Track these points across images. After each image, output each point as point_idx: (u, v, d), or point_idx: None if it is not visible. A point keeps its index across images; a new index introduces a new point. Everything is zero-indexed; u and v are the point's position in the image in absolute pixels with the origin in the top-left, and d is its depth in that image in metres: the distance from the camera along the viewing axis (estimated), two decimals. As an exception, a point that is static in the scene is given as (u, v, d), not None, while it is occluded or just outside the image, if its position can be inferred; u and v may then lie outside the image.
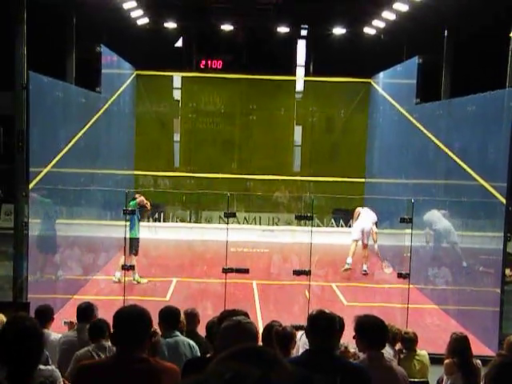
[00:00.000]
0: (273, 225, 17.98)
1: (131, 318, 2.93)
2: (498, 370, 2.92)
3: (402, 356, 6.07)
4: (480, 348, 8.27)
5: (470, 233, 10.53)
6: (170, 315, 4.90)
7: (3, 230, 16.28)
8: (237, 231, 12.21)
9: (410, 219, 8.82)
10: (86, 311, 5.60)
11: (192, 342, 4.74)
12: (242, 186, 18.08)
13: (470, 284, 10.11)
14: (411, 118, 13.04)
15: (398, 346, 6.16)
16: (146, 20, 16.61)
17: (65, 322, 6.18)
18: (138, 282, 11.72)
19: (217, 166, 17.98)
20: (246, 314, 3.73)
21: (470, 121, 10.37)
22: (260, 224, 17.96)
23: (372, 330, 4.03)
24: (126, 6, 14.90)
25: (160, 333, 4.94)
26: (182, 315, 5.43)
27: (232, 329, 2.75)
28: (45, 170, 9.60)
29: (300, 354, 5.34)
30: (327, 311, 3.41)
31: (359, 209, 13.82)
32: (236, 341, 2.67)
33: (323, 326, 3.25)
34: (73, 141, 11.00)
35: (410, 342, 6.13)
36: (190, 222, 18.19)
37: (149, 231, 12.80)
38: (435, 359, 6.41)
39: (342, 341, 5.36)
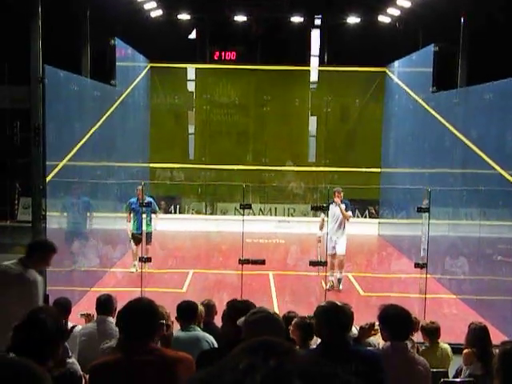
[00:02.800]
0: (288, 216, 17.97)
1: (136, 311, 2.94)
2: (503, 359, 2.89)
3: (423, 347, 6.03)
4: (499, 337, 8.17)
5: (488, 222, 10.42)
6: (187, 309, 4.92)
7: (22, 223, 16.48)
8: (252, 222, 12.21)
9: (427, 208, 8.75)
10: (106, 303, 5.61)
11: (211, 338, 4.75)
12: (257, 178, 18.06)
13: (488, 273, 10.03)
14: (427, 107, 12.91)
15: (416, 336, 6.12)
16: (159, 12, 16.61)
17: (81, 315, 6.19)
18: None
19: (231, 158, 17.96)
20: (253, 304, 3.73)
21: (488, 109, 10.23)
22: (276, 215, 17.96)
23: (396, 321, 3.98)
24: (139, -2, 14.92)
25: (173, 326, 4.97)
26: (200, 307, 5.44)
27: (262, 322, 2.77)
28: (61, 164, 9.67)
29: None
30: (338, 303, 3.39)
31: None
32: (265, 334, 2.68)
33: (333, 319, 3.23)
34: (88, 134, 11.06)
35: (433, 333, 6.09)
36: (205, 213, 18.25)
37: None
38: (454, 349, 6.37)
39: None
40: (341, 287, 11.32)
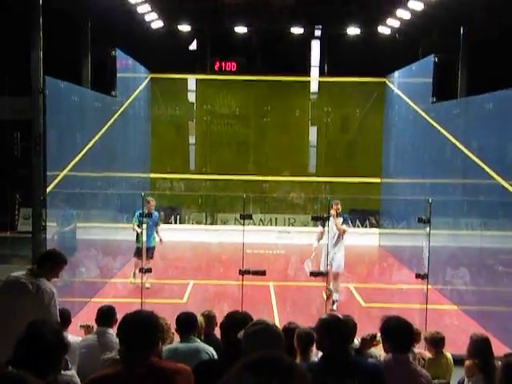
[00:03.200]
0: (289, 226, 17.95)
1: (135, 323, 2.92)
2: (506, 371, 2.87)
3: (429, 357, 6.00)
4: (501, 348, 8.13)
5: (489, 232, 10.40)
6: (186, 321, 4.88)
7: (22, 234, 16.45)
8: (253, 233, 12.17)
9: (427, 219, 8.73)
10: (107, 315, 5.57)
11: (211, 350, 4.71)
12: (257, 188, 18.07)
13: (489, 284, 9.99)
14: (427, 117, 12.93)
15: (417, 347, 6.09)
16: (160, 23, 16.69)
17: (81, 326, 6.13)
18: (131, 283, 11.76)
19: (232, 168, 17.99)
20: (250, 317, 3.73)
21: (488, 119, 10.24)
22: (276, 225, 17.94)
23: (398, 333, 3.96)
24: (140, 9, 14.98)
25: (174, 338, 4.95)
26: (200, 318, 5.40)
27: (261, 334, 2.76)
28: (62, 174, 9.66)
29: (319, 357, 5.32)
30: (339, 315, 3.37)
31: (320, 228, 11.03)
32: (265, 346, 2.68)
33: (335, 331, 3.21)
34: (89, 144, 11.07)
35: (439, 343, 6.06)
36: (205, 224, 18.23)
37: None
38: (455, 360, 6.32)
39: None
40: (334, 307, 10.48)
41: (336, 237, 10.67)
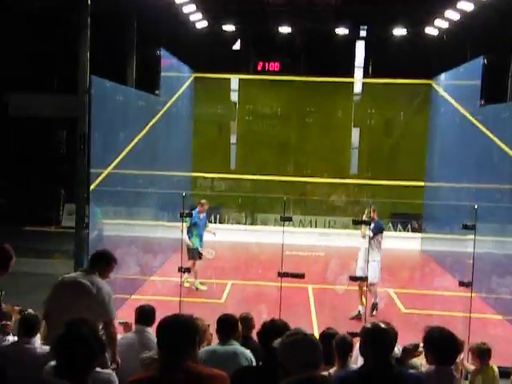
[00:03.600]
0: (329, 228, 17.79)
1: (173, 327, 2.89)
2: None
3: (474, 369, 5.84)
4: (547, 362, 7.86)
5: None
6: (227, 323, 4.85)
7: (66, 229, 16.81)
8: (292, 234, 12.10)
9: (473, 226, 8.49)
10: (147, 314, 5.58)
11: (249, 354, 4.67)
12: (297, 189, 17.99)
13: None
14: (474, 121, 12.60)
15: (460, 358, 5.91)
16: (204, 23, 16.78)
17: (120, 323, 6.19)
18: (197, 289, 11.76)
19: (273, 169, 17.95)
20: (286, 324, 3.70)
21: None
22: (316, 227, 17.81)
23: (441, 345, 3.87)
24: (185, 9, 15.10)
25: (212, 338, 4.94)
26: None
27: (298, 344, 2.73)
28: (105, 172, 9.80)
29: (358, 365, 5.22)
30: (382, 325, 3.28)
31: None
32: (302, 356, 2.66)
33: (380, 341, 3.13)
34: (132, 143, 11.20)
35: (485, 354, 5.88)
36: (245, 224, 18.24)
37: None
38: (501, 373, 6.14)
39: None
40: (374, 313, 10.12)
41: (369, 243, 10.23)
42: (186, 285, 11.74)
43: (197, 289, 11.68)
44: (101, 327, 5.13)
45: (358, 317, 10.13)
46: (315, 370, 2.77)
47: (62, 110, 17.81)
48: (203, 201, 12.21)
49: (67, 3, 12.26)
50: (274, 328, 3.41)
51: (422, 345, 4.14)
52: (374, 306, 10.34)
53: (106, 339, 5.14)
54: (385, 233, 15.09)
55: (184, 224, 11.58)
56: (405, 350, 4.38)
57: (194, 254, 11.80)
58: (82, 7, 10.11)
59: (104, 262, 5.44)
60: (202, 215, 12.01)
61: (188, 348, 2.86)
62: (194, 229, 11.83)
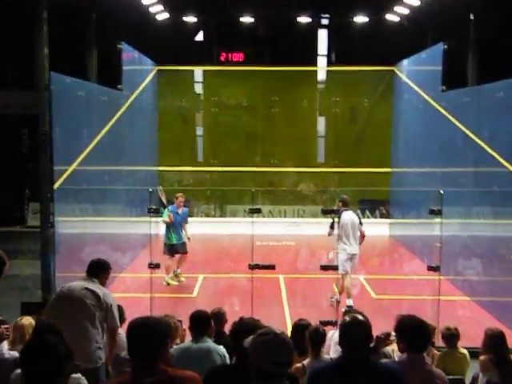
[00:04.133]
0: (298, 217, 17.87)
1: (143, 331, 2.84)
2: None
3: (440, 353, 5.93)
4: (514, 340, 8.05)
5: (502, 221, 10.27)
6: (199, 320, 4.80)
7: (32, 229, 16.48)
8: (262, 225, 12.11)
9: (439, 210, 8.61)
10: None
11: (222, 350, 4.64)
12: (266, 179, 18.00)
13: (502, 274, 9.87)
14: (437, 106, 12.76)
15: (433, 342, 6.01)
16: (165, 15, 16.57)
17: None
18: (168, 284, 11.66)
19: (240, 160, 17.90)
20: (256, 322, 3.68)
21: (499, 107, 10.08)
22: (285, 217, 17.87)
23: (412, 332, 3.88)
24: (145, 1, 14.88)
25: (185, 334, 4.89)
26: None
27: (269, 344, 2.71)
28: (69, 169, 9.63)
29: (331, 354, 5.25)
30: (360, 318, 3.28)
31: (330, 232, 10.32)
32: (273, 356, 2.64)
33: (358, 335, 3.14)
34: (96, 139, 11.02)
35: (452, 338, 5.97)
36: (215, 216, 18.19)
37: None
38: (470, 353, 6.25)
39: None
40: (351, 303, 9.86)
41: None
42: (182, 279, 11.66)
43: (168, 284, 11.58)
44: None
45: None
46: (287, 369, 2.76)
47: (19, 107, 17.38)
48: (178, 194, 12.03)
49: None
50: (243, 327, 3.39)
51: (393, 333, 4.17)
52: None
53: (107, 346, 5.26)
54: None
55: (156, 219, 11.51)
56: (377, 338, 4.41)
57: (170, 249, 11.63)
58: (37, 0, 9.84)
59: (104, 269, 5.59)
60: (181, 209, 11.80)
61: (159, 351, 2.81)
62: (171, 224, 11.65)
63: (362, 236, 10.30)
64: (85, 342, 5.04)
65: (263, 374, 2.67)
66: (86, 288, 5.30)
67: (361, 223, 10.30)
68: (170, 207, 11.80)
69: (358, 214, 10.35)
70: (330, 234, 10.24)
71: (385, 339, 4.56)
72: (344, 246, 10.12)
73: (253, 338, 2.77)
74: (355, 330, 3.14)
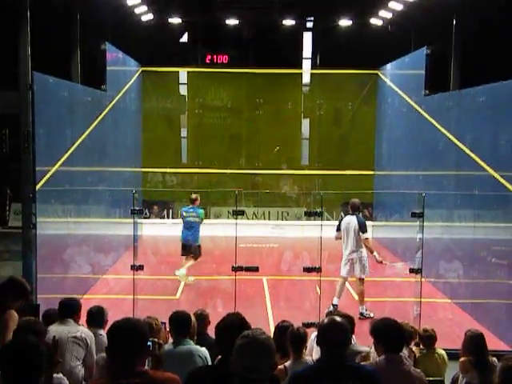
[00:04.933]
0: (282, 219, 17.90)
1: (123, 332, 2.83)
2: (504, 375, 2.84)
3: (419, 354, 5.98)
4: (494, 342, 8.15)
5: (482, 224, 10.39)
6: (179, 322, 4.78)
7: (13, 229, 16.31)
8: (246, 227, 12.13)
9: (421, 213, 8.70)
10: (97, 315, 5.50)
11: (203, 352, 4.63)
12: (250, 181, 18.02)
13: (482, 277, 9.99)
14: (420, 110, 12.88)
15: (414, 344, 6.06)
16: (150, 16, 16.52)
17: None
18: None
19: (225, 161, 17.91)
20: (242, 318, 3.61)
21: (481, 111, 10.21)
22: (269, 219, 17.89)
23: (388, 334, 3.98)
24: (130, 2, 14.82)
25: (168, 337, 4.88)
26: (193, 318, 5.32)
27: (248, 347, 2.69)
28: (52, 170, 9.56)
29: (314, 355, 5.27)
30: (338, 320, 3.31)
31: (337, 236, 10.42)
32: (246, 359, 2.63)
33: (335, 337, 3.16)
34: (79, 140, 10.95)
35: (429, 340, 6.03)
36: (198, 218, 18.12)
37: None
38: (449, 355, 6.31)
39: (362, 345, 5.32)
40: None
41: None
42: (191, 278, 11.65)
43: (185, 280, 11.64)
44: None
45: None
46: (262, 375, 2.72)
47: (3, 107, 17.16)
48: (194, 195, 12.08)
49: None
50: (228, 325, 3.37)
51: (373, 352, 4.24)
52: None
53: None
54: (336, 222, 15.10)
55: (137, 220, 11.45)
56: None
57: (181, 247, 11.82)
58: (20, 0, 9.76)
59: (76, 310, 5.46)
60: (198, 210, 11.89)
61: (139, 353, 2.80)
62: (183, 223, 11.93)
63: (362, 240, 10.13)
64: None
65: (239, 377, 2.66)
66: (74, 337, 5.17)
67: (361, 228, 10.09)
68: (183, 209, 12.09)
69: (359, 219, 10.25)
70: (337, 238, 10.27)
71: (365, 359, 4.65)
72: (343, 250, 10.16)
73: (237, 339, 2.77)
74: (332, 332, 3.17)
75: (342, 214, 10.55)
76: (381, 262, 10.24)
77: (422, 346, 6.07)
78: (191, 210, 11.93)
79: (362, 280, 10.11)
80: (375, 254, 10.16)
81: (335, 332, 3.18)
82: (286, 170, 18.16)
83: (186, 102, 18.79)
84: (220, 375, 3.00)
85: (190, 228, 11.90)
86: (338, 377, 3.08)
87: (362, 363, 4.26)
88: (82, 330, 5.31)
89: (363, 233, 10.04)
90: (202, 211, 12.10)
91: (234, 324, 3.30)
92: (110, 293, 11.03)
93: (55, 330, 5.12)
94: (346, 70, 17.25)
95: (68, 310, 5.40)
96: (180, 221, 17.46)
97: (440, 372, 5.92)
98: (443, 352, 6.09)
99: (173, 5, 16.28)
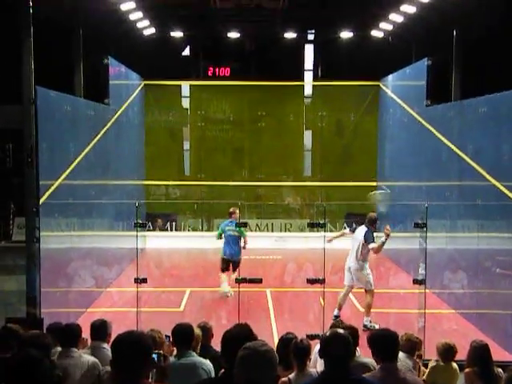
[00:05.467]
0: (285, 231, 17.88)
1: (127, 345, 2.83)
2: None
3: (434, 363, 5.96)
4: (499, 353, 8.10)
5: (486, 234, 10.36)
6: (182, 334, 4.76)
7: (17, 244, 16.33)
8: (249, 239, 12.12)
9: (424, 224, 8.68)
10: (100, 329, 5.46)
11: (207, 365, 4.60)
12: (253, 193, 18.03)
13: (487, 287, 9.94)
14: (422, 120, 12.91)
15: (417, 355, 6.02)
16: (152, 30, 16.64)
17: None
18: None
19: (227, 174, 17.95)
20: (249, 329, 3.58)
21: (483, 122, 10.22)
22: (272, 231, 17.88)
23: (381, 343, 4.15)
24: (132, 16, 14.93)
25: (172, 349, 4.85)
26: (197, 330, 5.30)
27: (250, 358, 2.68)
28: (55, 184, 9.58)
29: (318, 368, 5.25)
30: (341, 332, 3.31)
31: (346, 232, 11.15)
32: (254, 369, 2.62)
33: (337, 349, 3.17)
34: (82, 154, 10.99)
35: (449, 354, 5.97)
36: (202, 230, 18.15)
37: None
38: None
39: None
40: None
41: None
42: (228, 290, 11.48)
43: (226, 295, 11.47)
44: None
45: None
46: None
47: (3, 121, 17.21)
48: (233, 208, 11.85)
49: (8, 9, 11.92)
50: (234, 336, 3.35)
51: None
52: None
53: None
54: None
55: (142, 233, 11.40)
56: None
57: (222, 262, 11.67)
58: (23, 14, 9.83)
59: (78, 335, 5.27)
60: (231, 224, 11.65)
61: (143, 366, 2.80)
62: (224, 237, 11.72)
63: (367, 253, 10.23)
64: None
65: None
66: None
67: (366, 240, 10.13)
68: (223, 224, 11.88)
69: (367, 231, 10.28)
70: (345, 234, 10.76)
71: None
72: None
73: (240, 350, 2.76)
74: (334, 345, 3.18)
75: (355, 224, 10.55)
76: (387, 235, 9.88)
77: (439, 359, 6.01)
78: (230, 223, 11.70)
79: (369, 292, 10.08)
80: (382, 240, 9.98)
81: (337, 345, 3.19)
82: (289, 182, 18.18)
83: (188, 114, 18.88)
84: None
85: (231, 242, 11.65)
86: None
87: (365, 375, 4.27)
88: (89, 360, 5.03)
89: (368, 243, 10.02)
90: (241, 229, 11.61)
91: (240, 335, 3.28)
92: (113, 306, 11.01)
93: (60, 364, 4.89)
94: (347, 82, 17.33)
95: (68, 337, 5.17)
96: (184, 233, 17.62)
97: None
98: (456, 365, 6.05)
99: (174, 19, 16.39)
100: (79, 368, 4.91)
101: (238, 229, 11.37)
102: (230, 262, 11.61)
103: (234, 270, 11.42)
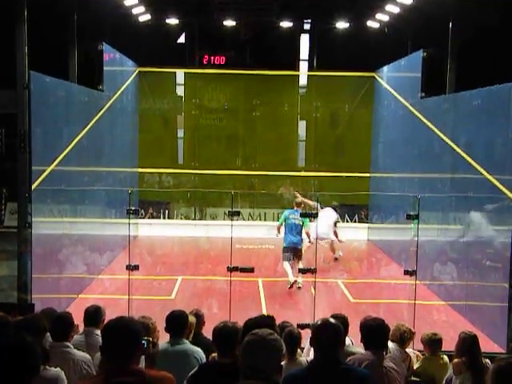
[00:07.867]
0: (278, 221, 17.88)
1: (116, 331, 2.83)
2: (496, 377, 2.86)
3: (423, 356, 6.04)
4: (488, 344, 8.19)
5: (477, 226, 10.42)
6: (176, 321, 4.77)
7: (9, 229, 16.29)
8: (242, 228, 12.13)
9: (416, 215, 8.73)
10: (94, 315, 5.46)
11: (199, 353, 4.62)
12: (246, 182, 18.03)
13: (477, 279, 10.03)
14: (416, 112, 12.93)
15: (409, 346, 6.08)
16: (147, 16, 16.52)
17: None
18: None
19: (221, 162, 17.91)
20: (272, 321, 3.63)
21: (476, 115, 10.26)
22: (265, 220, 17.90)
23: (370, 331, 4.32)
24: (127, 2, 14.81)
25: (158, 336, 4.89)
26: (191, 318, 5.30)
27: (256, 345, 2.68)
28: (48, 170, 9.56)
29: (310, 356, 5.29)
30: (331, 321, 3.34)
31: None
32: (259, 357, 2.61)
33: (328, 338, 3.19)
34: (76, 140, 10.95)
35: (436, 344, 6.05)
36: (194, 219, 18.16)
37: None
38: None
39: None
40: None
41: None
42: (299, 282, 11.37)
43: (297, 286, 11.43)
44: None
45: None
46: (264, 375, 2.67)
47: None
48: (296, 194, 12.14)
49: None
50: (257, 323, 3.37)
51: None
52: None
53: None
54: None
55: (135, 221, 11.42)
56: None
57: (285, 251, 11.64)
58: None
59: (70, 324, 5.01)
60: (298, 211, 11.64)
61: (132, 352, 2.81)
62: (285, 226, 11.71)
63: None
64: None
65: (243, 375, 2.65)
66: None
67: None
68: (287, 212, 12.01)
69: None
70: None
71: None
72: None
73: (247, 335, 2.75)
74: (325, 333, 3.20)
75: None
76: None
77: (426, 350, 6.08)
78: (295, 212, 11.71)
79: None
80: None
81: (327, 333, 3.20)
82: (282, 172, 18.17)
83: (182, 102, 18.80)
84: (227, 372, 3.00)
85: (294, 230, 11.63)
86: (331, 378, 3.10)
87: (349, 358, 4.35)
88: (81, 356, 4.82)
89: None
90: (306, 220, 11.65)
91: (261, 324, 3.30)
92: (105, 293, 11.03)
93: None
94: (342, 73, 17.29)
95: (60, 327, 4.90)
96: (176, 221, 17.62)
97: (441, 375, 5.94)
98: (446, 357, 6.12)
99: (170, 6, 16.28)
100: (73, 371, 4.67)
101: (302, 219, 11.43)
102: (293, 251, 11.55)
103: (299, 259, 11.42)
